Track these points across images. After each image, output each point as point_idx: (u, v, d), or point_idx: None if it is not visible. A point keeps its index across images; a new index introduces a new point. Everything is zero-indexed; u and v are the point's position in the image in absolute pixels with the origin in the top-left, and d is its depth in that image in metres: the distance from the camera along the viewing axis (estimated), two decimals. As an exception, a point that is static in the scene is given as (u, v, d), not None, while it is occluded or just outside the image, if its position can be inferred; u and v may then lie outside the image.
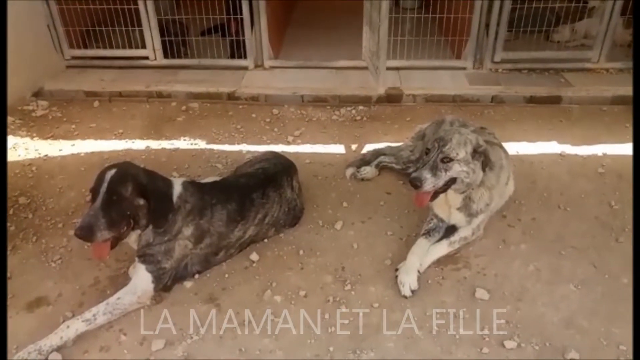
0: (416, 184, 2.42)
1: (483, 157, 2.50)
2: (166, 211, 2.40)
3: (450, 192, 2.59)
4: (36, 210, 3.13)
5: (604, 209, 3.07)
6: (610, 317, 2.35)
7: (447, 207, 2.71)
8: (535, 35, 4.91)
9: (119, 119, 4.27)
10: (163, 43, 4.90)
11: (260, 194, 2.72)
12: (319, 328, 2.32)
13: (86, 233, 2.19)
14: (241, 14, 4.71)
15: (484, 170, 2.54)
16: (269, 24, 4.85)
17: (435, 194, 2.51)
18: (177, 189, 2.49)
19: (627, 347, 2.20)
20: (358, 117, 4.27)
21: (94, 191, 2.28)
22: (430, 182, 2.41)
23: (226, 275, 2.62)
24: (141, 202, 2.32)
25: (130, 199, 2.29)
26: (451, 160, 2.44)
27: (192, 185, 2.57)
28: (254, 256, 2.71)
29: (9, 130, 3.99)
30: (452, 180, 2.49)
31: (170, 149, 3.83)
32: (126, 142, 3.93)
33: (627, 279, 2.55)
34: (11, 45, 3.97)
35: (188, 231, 2.47)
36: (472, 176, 2.50)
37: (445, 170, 2.44)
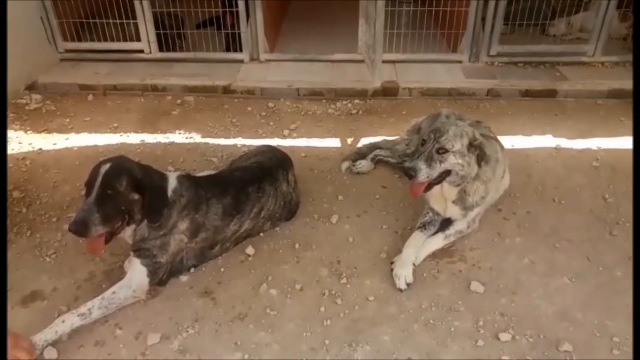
0: (410, 173, 2.42)
1: (478, 150, 2.50)
2: (160, 206, 2.38)
3: (445, 185, 2.59)
4: (30, 204, 3.11)
5: (598, 202, 3.09)
6: (604, 309, 2.37)
7: (443, 200, 2.71)
8: (531, 28, 4.91)
9: (113, 113, 4.24)
10: (158, 36, 4.87)
11: (255, 187, 2.72)
12: (314, 321, 2.32)
13: (80, 228, 2.18)
14: (237, 7, 4.69)
15: (479, 164, 2.54)
16: (264, 17, 4.82)
17: (430, 186, 2.52)
18: (172, 183, 2.48)
19: (620, 339, 2.22)
20: (354, 111, 4.27)
21: (89, 186, 2.27)
22: (424, 173, 2.42)
23: (222, 269, 2.62)
24: (136, 196, 2.31)
25: (125, 194, 2.27)
26: (447, 151, 2.44)
27: (187, 180, 2.55)
28: (250, 250, 2.72)
29: (2, 124, 3.97)
30: (447, 173, 2.50)
31: (165, 143, 3.81)
32: (121, 135, 3.91)
33: (621, 272, 2.57)
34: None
35: (183, 225, 2.47)
36: (467, 169, 2.50)
37: (440, 162, 2.44)
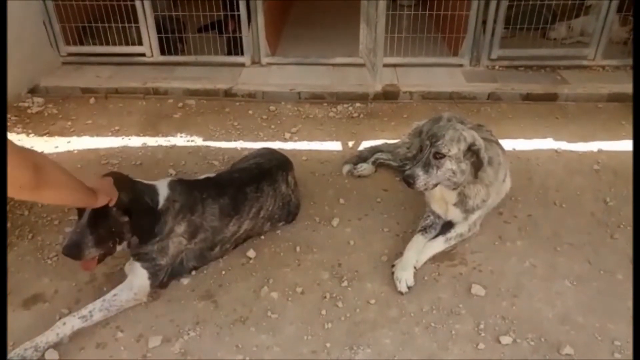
0: (409, 181, 2.42)
1: (475, 157, 2.47)
2: (150, 226, 2.36)
3: (443, 188, 2.59)
4: (32, 207, 3.11)
5: (599, 206, 3.09)
6: (605, 313, 2.37)
7: (444, 203, 2.71)
8: (532, 32, 4.92)
9: (115, 116, 4.25)
10: (160, 40, 4.88)
11: (254, 188, 2.71)
12: (315, 324, 2.32)
13: (74, 251, 2.17)
14: (238, 11, 4.71)
15: (475, 171, 2.51)
16: (266, 20, 4.83)
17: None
18: (164, 191, 2.44)
19: (621, 343, 2.21)
20: (355, 114, 4.27)
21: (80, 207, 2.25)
22: (422, 180, 2.41)
23: (223, 272, 2.62)
24: (125, 219, 2.28)
25: (115, 216, 2.25)
26: (443, 156, 2.42)
27: (179, 184, 2.53)
28: (251, 253, 2.72)
29: (4, 127, 3.98)
30: None
31: (166, 146, 3.82)
32: (122, 139, 3.92)
33: (622, 275, 2.57)
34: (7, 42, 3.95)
35: (180, 229, 2.46)
36: (459, 177, 2.47)
37: (437, 167, 2.42)
